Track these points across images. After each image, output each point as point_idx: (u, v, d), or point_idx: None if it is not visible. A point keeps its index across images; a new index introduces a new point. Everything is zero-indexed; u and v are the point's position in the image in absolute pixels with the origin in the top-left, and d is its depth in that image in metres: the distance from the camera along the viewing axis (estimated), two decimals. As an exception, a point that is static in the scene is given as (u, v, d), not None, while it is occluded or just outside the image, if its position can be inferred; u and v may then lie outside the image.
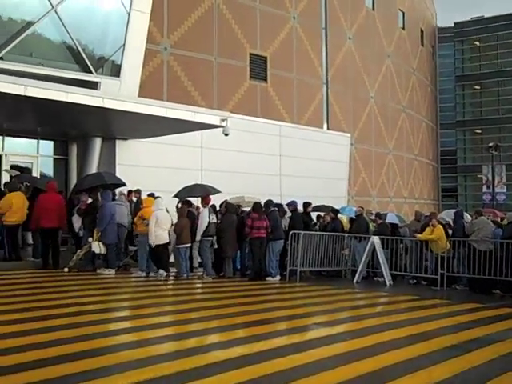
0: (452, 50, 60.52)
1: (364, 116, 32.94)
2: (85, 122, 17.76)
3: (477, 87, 59.89)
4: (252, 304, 10.59)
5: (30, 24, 16.70)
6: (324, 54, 29.92)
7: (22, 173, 17.72)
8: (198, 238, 13.90)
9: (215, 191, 15.93)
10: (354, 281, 14.58)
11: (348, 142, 29.58)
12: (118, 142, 19.65)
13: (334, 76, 30.31)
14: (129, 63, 18.64)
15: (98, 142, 19.21)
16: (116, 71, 18.58)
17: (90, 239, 13.63)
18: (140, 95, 18.49)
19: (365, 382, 6.07)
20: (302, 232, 14.40)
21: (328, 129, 29.49)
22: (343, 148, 28.81)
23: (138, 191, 15.89)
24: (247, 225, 13.94)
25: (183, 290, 12.44)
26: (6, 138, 18.91)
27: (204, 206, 14.34)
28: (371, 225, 16.08)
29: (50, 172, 20.21)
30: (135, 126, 18.07)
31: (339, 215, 16.92)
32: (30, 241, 15.74)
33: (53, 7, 16.95)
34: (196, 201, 15.76)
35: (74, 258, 13.77)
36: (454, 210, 15.88)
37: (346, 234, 15.67)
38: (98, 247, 13.53)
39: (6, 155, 18.47)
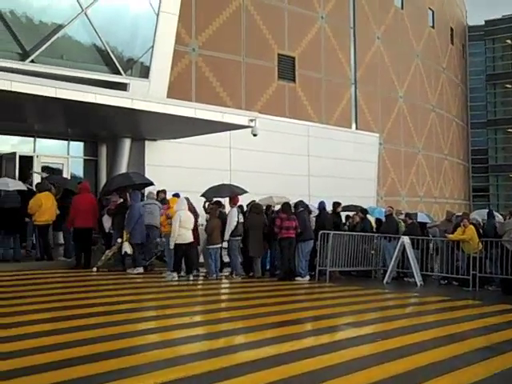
0: (483, 49, 59.65)
1: (393, 116, 32.66)
2: (114, 123, 17.92)
3: (508, 86, 58.94)
4: (281, 304, 10.56)
5: (60, 27, 16.90)
6: (352, 53, 29.73)
7: (51, 174, 17.94)
8: (227, 237, 13.92)
9: (242, 191, 15.90)
10: (384, 281, 14.44)
11: (377, 142, 29.38)
12: (146, 142, 19.78)
13: (362, 76, 30.11)
14: (157, 64, 18.75)
15: (127, 142, 19.36)
16: (145, 72, 18.71)
17: (120, 240, 13.73)
18: (169, 96, 18.59)
19: (395, 383, 6.00)
20: (332, 232, 14.33)
21: (356, 129, 29.31)
22: (372, 148, 28.63)
23: (164, 191, 15.97)
24: (276, 225, 13.92)
25: (212, 289, 12.47)
26: (38, 140, 19.17)
27: (232, 206, 14.36)
28: (401, 225, 15.92)
29: (80, 173, 20.42)
30: (164, 127, 18.17)
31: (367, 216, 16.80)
32: (61, 241, 15.95)
33: (83, 10, 17.14)
34: (223, 201, 15.75)
35: (103, 257, 13.89)
36: (486, 210, 15.65)
37: (376, 234, 15.53)
38: (128, 248, 13.63)
39: (37, 156, 18.70)
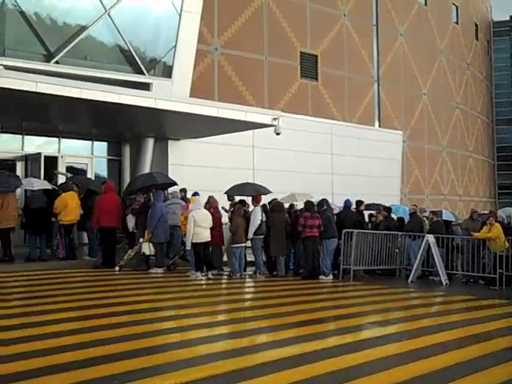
0: (508, 44, 59.06)
1: (416, 113, 32.42)
2: (137, 123, 18.01)
3: (534, 82, 58.26)
4: (305, 303, 10.52)
5: (84, 28, 17.05)
6: (375, 51, 29.58)
7: (75, 174, 18.10)
8: (250, 236, 13.93)
9: (266, 191, 15.89)
10: (409, 280, 14.31)
11: (400, 140, 29.19)
12: (170, 142, 19.86)
13: (385, 73, 29.93)
14: (180, 64, 18.82)
15: (150, 142, 19.45)
16: (168, 72, 18.78)
17: (141, 240, 13.78)
18: (191, 95, 18.65)
19: (421, 382, 5.95)
20: (356, 230, 14.25)
21: (380, 126, 29.16)
22: (395, 146, 28.46)
23: (184, 190, 16.01)
24: (300, 224, 13.88)
25: (236, 288, 12.47)
26: (62, 140, 19.34)
27: (255, 205, 14.35)
28: (425, 223, 15.78)
29: (104, 173, 20.58)
30: (187, 127, 18.22)
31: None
32: (85, 240, 16.09)
33: (106, 11, 17.27)
34: (246, 199, 15.75)
35: (125, 257, 13.97)
36: (512, 208, 15.46)
37: (400, 233, 15.41)
38: (148, 249, 13.66)
39: (62, 156, 18.87)
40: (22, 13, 16.07)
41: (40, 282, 11.55)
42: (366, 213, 16.98)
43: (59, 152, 19.13)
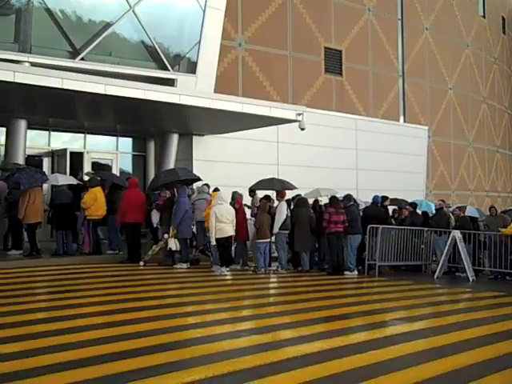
0: (536, 38, 58.07)
1: (442, 108, 32.06)
2: (162, 118, 18.08)
3: (563, 75, 57.30)
4: (331, 298, 10.49)
5: (109, 25, 17.13)
6: (400, 45, 29.28)
7: (98, 170, 18.22)
8: (276, 230, 13.91)
9: (292, 186, 15.89)
10: (435, 276, 14.19)
11: (426, 135, 28.90)
12: (194, 137, 19.88)
13: (410, 68, 29.64)
14: (204, 60, 18.83)
15: (175, 138, 19.50)
16: (192, 68, 18.81)
17: (166, 236, 13.83)
18: (216, 91, 18.64)
19: (448, 380, 5.88)
20: (381, 226, 14.16)
21: (405, 122, 28.89)
22: (421, 141, 28.18)
23: (207, 185, 16.04)
24: (325, 219, 13.83)
25: (260, 284, 12.46)
26: (88, 136, 19.50)
27: (280, 200, 14.33)
28: (451, 218, 15.62)
29: (128, 168, 20.69)
30: (211, 122, 18.24)
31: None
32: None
33: (131, 7, 17.33)
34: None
35: (150, 252, 14.04)
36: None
37: (426, 228, 15.27)
38: (174, 244, 13.70)
39: (87, 152, 19.01)
40: (47, 10, 16.20)
41: (66, 277, 11.65)
42: (390, 208, 16.87)
43: (85, 148, 19.29)
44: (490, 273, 14.76)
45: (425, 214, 16.34)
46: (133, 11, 17.40)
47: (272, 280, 13.18)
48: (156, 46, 17.91)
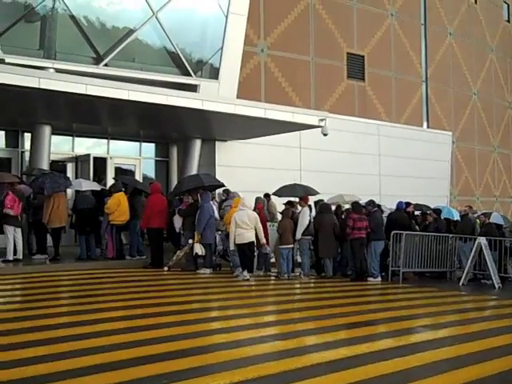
0: (561, 42, 57.41)
1: (466, 113, 31.77)
2: (185, 124, 18.12)
3: None
4: (355, 305, 10.40)
5: (132, 31, 17.23)
6: (423, 50, 29.11)
7: (120, 175, 18.30)
8: (298, 236, 13.84)
9: (315, 192, 15.84)
10: (460, 283, 14.01)
11: (449, 141, 28.64)
12: (217, 143, 19.92)
13: (433, 73, 29.44)
14: (227, 65, 18.86)
15: (197, 143, 19.53)
16: (215, 74, 18.85)
17: (191, 241, 13.83)
18: (238, 97, 18.65)
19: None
20: (405, 232, 14.03)
21: (428, 127, 28.68)
22: (444, 147, 27.93)
23: (227, 191, 16.05)
24: (348, 225, 13.73)
25: (284, 289, 12.38)
26: (111, 141, 19.61)
27: (303, 206, 14.27)
28: (477, 225, 15.45)
29: (151, 174, 20.76)
30: (234, 128, 18.25)
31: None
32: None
33: (154, 14, 17.42)
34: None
35: (174, 257, 14.04)
36: None
37: (451, 235, 15.10)
38: (200, 249, 13.70)
39: (111, 158, 19.13)
40: (72, 17, 16.33)
41: (89, 282, 11.69)
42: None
43: (108, 153, 19.40)
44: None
45: (447, 220, 16.17)
46: (156, 17, 17.49)
47: (295, 286, 13.10)
48: (179, 51, 17.98)
